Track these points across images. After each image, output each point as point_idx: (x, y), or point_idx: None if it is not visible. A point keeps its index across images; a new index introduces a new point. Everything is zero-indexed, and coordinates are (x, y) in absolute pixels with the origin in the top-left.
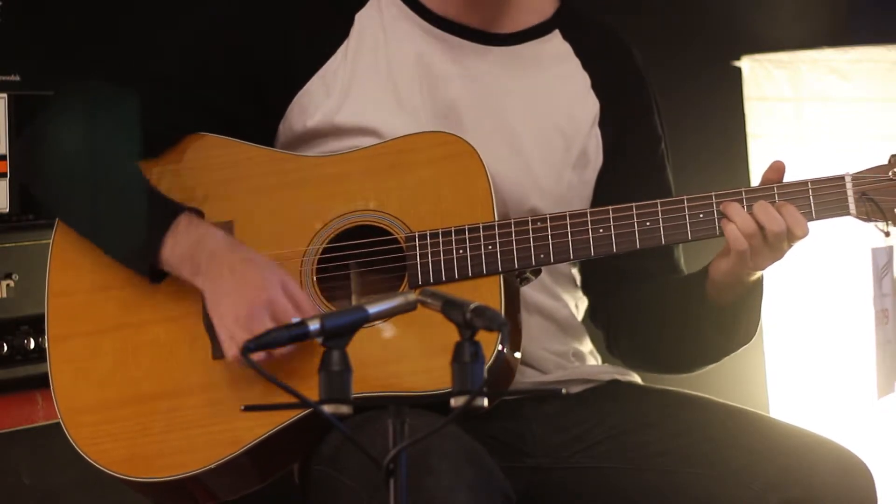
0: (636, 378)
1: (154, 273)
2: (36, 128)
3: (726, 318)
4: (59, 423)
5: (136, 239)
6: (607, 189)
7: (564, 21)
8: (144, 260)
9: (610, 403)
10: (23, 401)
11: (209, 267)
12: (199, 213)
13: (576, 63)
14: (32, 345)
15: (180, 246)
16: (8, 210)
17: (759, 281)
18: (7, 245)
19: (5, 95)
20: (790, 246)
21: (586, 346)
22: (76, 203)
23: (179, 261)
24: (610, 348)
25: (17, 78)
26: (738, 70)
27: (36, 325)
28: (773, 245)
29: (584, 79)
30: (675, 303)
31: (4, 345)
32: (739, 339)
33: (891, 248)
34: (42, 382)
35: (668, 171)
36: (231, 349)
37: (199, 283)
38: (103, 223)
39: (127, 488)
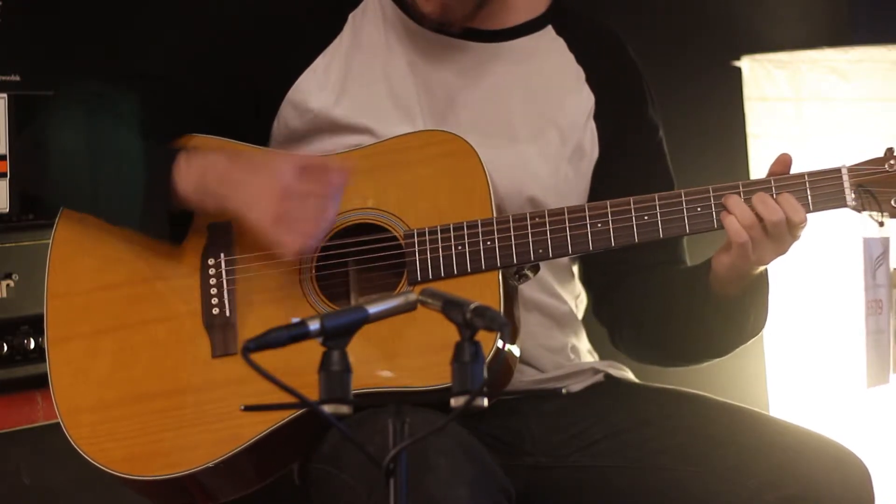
0: (629, 374)
1: (174, 230)
2: (33, 130)
3: (733, 309)
4: (58, 423)
5: (148, 195)
6: (607, 181)
7: (557, 16)
8: (160, 210)
9: (608, 402)
10: (23, 401)
11: (221, 189)
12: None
13: (569, 58)
14: (32, 345)
15: (190, 182)
16: (8, 210)
17: (764, 275)
18: (7, 245)
19: (5, 95)
20: (794, 237)
21: (584, 343)
22: (80, 183)
23: (194, 196)
24: (615, 342)
25: (17, 78)
26: (738, 70)
27: (36, 325)
28: (773, 236)
29: (578, 73)
30: (681, 293)
31: (4, 345)
32: (748, 330)
33: (886, 238)
34: (42, 382)
35: (667, 159)
36: (291, 246)
37: (223, 209)
38: (108, 193)
39: (126, 488)
